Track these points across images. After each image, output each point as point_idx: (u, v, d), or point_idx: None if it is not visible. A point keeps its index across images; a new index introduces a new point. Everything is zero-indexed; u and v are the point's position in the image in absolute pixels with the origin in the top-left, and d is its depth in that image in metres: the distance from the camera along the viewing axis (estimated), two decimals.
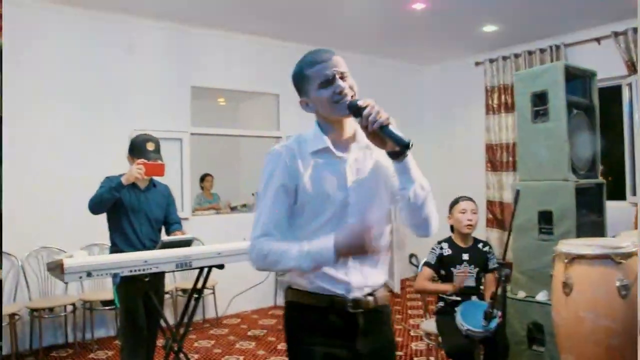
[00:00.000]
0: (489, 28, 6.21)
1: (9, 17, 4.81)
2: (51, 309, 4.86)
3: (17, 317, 4.64)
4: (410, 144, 1.56)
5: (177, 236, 3.56)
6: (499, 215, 6.88)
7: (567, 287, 2.85)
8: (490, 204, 6.99)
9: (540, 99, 3.92)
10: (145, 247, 3.55)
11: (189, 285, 5.25)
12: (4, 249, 4.71)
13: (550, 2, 5.36)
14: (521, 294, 3.91)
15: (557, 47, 6.36)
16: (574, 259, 2.85)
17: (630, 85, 5.84)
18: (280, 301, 6.43)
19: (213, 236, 5.68)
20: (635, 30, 5.65)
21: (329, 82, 1.67)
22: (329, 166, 1.71)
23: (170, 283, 5.38)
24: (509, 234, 2.98)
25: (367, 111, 1.57)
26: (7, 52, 4.82)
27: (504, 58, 6.91)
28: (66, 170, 5.03)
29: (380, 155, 1.74)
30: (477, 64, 7.25)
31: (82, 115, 5.21)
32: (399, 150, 1.60)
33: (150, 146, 3.67)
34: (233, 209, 7.59)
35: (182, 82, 5.84)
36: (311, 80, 1.70)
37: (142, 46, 5.57)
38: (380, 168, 1.76)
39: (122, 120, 5.35)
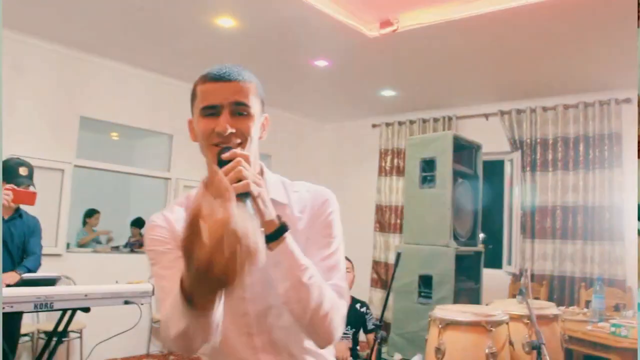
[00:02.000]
0: (388, 92, 6.43)
1: None
2: None
3: None
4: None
5: (39, 273, 3.25)
6: (384, 276, 6.96)
7: (439, 352, 2.85)
8: (375, 264, 7.07)
9: (428, 165, 4.05)
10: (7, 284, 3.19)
11: (44, 327, 4.84)
12: None
13: (444, 77, 5.66)
14: (397, 357, 3.90)
15: (450, 118, 6.69)
16: (448, 324, 2.87)
17: (511, 161, 6.21)
18: (154, 349, 6.05)
19: (88, 276, 5.31)
20: (518, 111, 6.07)
21: (213, 111, 1.22)
22: None
23: (32, 323, 4.89)
24: (387, 296, 2.97)
25: (231, 165, 1.11)
26: None
27: (400, 123, 7.16)
28: None
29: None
30: (374, 126, 7.46)
31: None
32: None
33: (23, 171, 3.38)
34: (115, 248, 7.16)
35: (70, 110, 5.47)
36: (196, 100, 1.27)
37: (30, 67, 5.20)
38: (296, 229, 1.29)
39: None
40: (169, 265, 1.22)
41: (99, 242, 7.33)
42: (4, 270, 3.32)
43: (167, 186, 6.31)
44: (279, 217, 1.15)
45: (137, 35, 5.01)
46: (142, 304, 3.44)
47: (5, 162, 3.43)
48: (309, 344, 1.29)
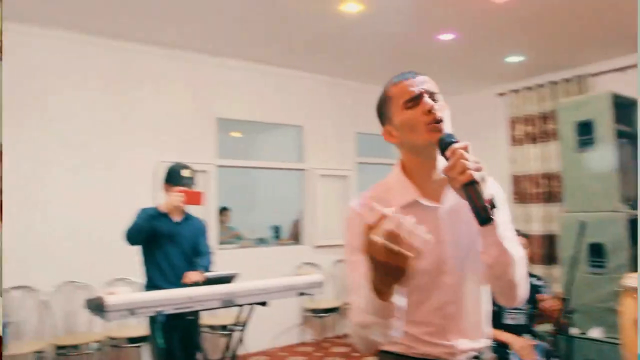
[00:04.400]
0: (514, 59, 6.16)
1: (35, 50, 4.80)
2: (76, 347, 4.69)
3: (42, 354, 4.48)
4: (491, 217, 1.25)
5: (220, 272, 3.44)
6: (526, 249, 6.71)
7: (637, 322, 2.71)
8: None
9: (585, 128, 3.85)
10: (181, 284, 3.42)
11: (216, 321, 5.12)
12: (28, 284, 4.61)
13: (574, 33, 5.32)
14: (573, 331, 3.76)
15: (581, 77, 6.31)
16: None
17: None
18: (307, 337, 6.26)
19: (244, 271, 5.57)
20: None
21: (415, 100, 1.42)
22: (419, 221, 1.28)
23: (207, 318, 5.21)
24: (571, 268, 2.86)
25: (454, 160, 1.27)
26: (39, 83, 4.80)
27: (528, 88, 6.85)
28: (91, 204, 4.90)
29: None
30: (500, 94, 7.19)
31: (109, 148, 5.12)
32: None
33: (185, 173, 3.59)
34: (260, 240, 7.45)
35: (208, 113, 5.77)
36: (394, 100, 1.45)
37: (167, 77, 5.52)
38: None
39: (148, 153, 5.26)
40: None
41: (239, 239, 7.63)
42: (183, 268, 3.53)
43: (303, 177, 6.49)
44: (491, 198, 1.29)
45: (261, 32, 5.15)
46: (312, 295, 3.57)
47: (170, 168, 3.65)
48: (484, 328, 1.51)
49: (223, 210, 7.71)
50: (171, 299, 2.90)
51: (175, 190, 3.42)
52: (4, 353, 3.97)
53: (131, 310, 2.81)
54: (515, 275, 1.38)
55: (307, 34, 5.20)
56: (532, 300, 3.36)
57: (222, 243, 6.75)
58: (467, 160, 1.25)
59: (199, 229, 3.75)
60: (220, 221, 7.62)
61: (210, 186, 5.72)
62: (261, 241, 7.47)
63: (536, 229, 6.52)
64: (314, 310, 6.02)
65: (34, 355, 4.39)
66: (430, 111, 1.39)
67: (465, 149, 1.28)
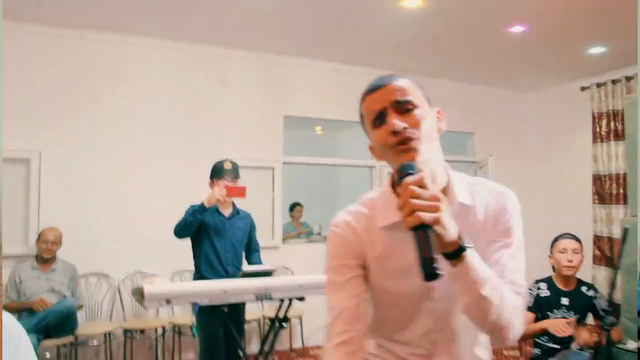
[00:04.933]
0: (596, 49, 5.79)
1: (111, 50, 5.13)
2: (142, 331, 4.99)
3: (112, 336, 4.82)
4: (437, 273, 1.04)
5: (257, 266, 3.54)
6: (608, 252, 6.31)
7: None
8: (597, 239, 6.43)
9: None
10: (228, 274, 3.56)
11: (267, 314, 5.26)
12: (104, 271, 4.97)
13: None
14: (631, 345, 3.50)
15: None
16: None
17: None
18: None
19: (303, 265, 5.67)
20: None
21: (380, 118, 1.23)
22: (402, 243, 1.22)
23: (258, 311, 5.37)
24: (615, 276, 2.67)
25: (403, 198, 1.07)
26: (114, 82, 5.14)
27: (614, 82, 6.41)
28: (162, 199, 5.17)
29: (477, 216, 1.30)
30: (582, 88, 6.77)
31: (179, 145, 5.38)
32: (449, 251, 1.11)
33: (227, 165, 3.70)
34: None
35: (274, 112, 5.91)
36: (365, 118, 1.30)
37: (235, 77, 5.71)
38: (479, 232, 1.28)
39: (216, 151, 5.44)
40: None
41: (310, 233, 7.73)
42: (230, 261, 3.66)
43: (372, 173, 6.53)
44: (459, 236, 1.11)
45: (324, 30, 5.20)
46: None
47: (214, 165, 3.79)
48: (480, 352, 1.38)
49: (295, 206, 7.85)
50: (205, 291, 3.02)
51: (219, 184, 3.55)
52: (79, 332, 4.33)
53: (167, 299, 2.96)
54: (502, 319, 1.17)
55: (367, 30, 5.18)
56: (584, 312, 3.18)
57: (288, 238, 6.88)
58: (418, 198, 1.05)
59: (249, 224, 3.86)
60: (292, 216, 7.79)
61: (277, 182, 5.85)
62: None
63: (616, 232, 6.10)
64: None
65: (104, 336, 4.75)
66: (394, 132, 1.19)
67: (419, 182, 1.08)
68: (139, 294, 3.01)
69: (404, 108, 1.22)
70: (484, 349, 1.40)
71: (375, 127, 1.25)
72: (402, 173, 1.12)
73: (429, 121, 1.24)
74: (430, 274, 1.03)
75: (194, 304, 3.02)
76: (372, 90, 1.27)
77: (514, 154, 7.28)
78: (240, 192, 3.60)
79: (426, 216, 1.04)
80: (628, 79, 6.24)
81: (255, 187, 5.63)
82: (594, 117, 6.60)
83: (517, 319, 1.21)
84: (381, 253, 1.31)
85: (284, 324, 3.65)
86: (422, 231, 1.04)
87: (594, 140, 6.58)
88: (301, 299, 3.38)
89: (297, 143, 6.69)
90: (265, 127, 5.85)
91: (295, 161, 6.25)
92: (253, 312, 5.15)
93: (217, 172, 3.66)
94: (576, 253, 3.21)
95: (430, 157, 1.20)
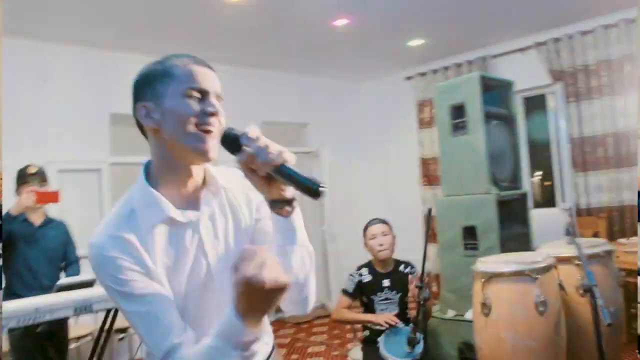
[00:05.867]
0: (415, 42, 6.17)
1: None
2: None
3: None
4: (321, 188, 1.12)
5: (74, 277, 3.30)
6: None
7: (485, 307, 2.73)
8: (428, 218, 6.89)
9: (458, 112, 3.86)
10: (44, 289, 3.27)
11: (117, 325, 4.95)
12: None
13: (473, 15, 5.35)
14: (450, 313, 3.80)
15: (484, 58, 6.39)
16: (491, 277, 2.74)
17: (554, 93, 5.89)
18: None
19: None
20: (555, 40, 5.72)
21: (202, 94, 1.21)
22: (175, 239, 1.24)
23: (93, 324, 5.01)
24: (424, 254, 2.86)
25: (256, 146, 1.13)
26: None
27: (434, 71, 6.90)
28: None
29: (240, 198, 1.36)
30: (407, 78, 7.21)
31: None
32: (290, 199, 1.20)
33: (31, 170, 3.42)
34: None
35: (99, 109, 5.46)
36: (175, 79, 1.21)
37: (55, 73, 5.23)
38: (242, 220, 1.35)
39: (36, 152, 4.98)
40: None
41: None
42: (44, 274, 3.39)
43: None
44: None
45: (150, 23, 4.98)
46: None
47: (18, 171, 3.48)
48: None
49: None
50: (14, 310, 2.74)
51: (27, 190, 3.25)
52: None
53: None
54: (313, 279, 1.30)
55: (197, 24, 5.05)
56: (402, 288, 3.37)
57: None
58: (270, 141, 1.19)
59: (64, 232, 3.60)
60: None
61: (103, 185, 5.43)
62: None
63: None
64: None
65: None
66: (212, 115, 1.25)
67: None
68: None
69: (219, 99, 1.28)
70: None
71: (188, 96, 1.21)
72: (234, 133, 1.17)
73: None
74: (318, 188, 1.12)
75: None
76: (203, 64, 1.25)
77: (350, 142, 7.51)
78: (53, 197, 3.32)
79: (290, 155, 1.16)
80: (446, 68, 6.74)
81: (82, 191, 5.28)
82: (418, 105, 7.05)
83: (314, 286, 1.31)
84: (154, 252, 1.26)
85: (121, 334, 3.45)
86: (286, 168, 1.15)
87: (420, 126, 7.03)
88: None
89: (124, 142, 6.33)
90: (90, 126, 5.41)
91: (124, 161, 5.85)
92: (89, 325, 4.79)
93: (21, 179, 3.35)
94: (385, 235, 3.38)
95: None
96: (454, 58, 6.66)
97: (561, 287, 2.80)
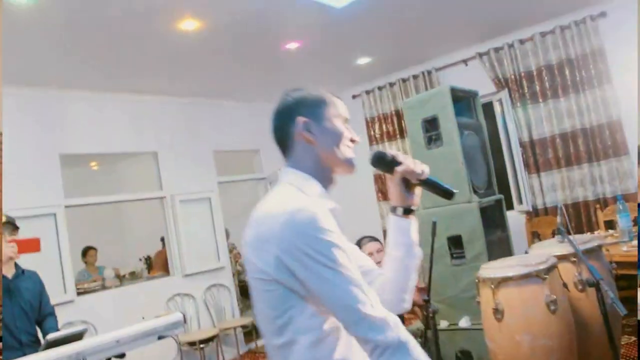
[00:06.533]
0: (363, 60, 6.27)
1: None
2: None
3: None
4: (455, 191, 1.53)
5: (65, 330, 3.08)
6: None
7: (498, 312, 2.77)
8: (386, 233, 6.96)
9: (431, 125, 3.94)
10: (22, 345, 3.03)
11: None
12: None
13: (417, 30, 5.50)
14: (444, 324, 3.83)
15: (429, 72, 6.57)
16: (500, 282, 2.78)
17: (500, 100, 6.13)
18: None
19: (105, 317, 5.13)
20: (496, 49, 5.97)
21: (346, 122, 1.50)
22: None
23: None
24: (430, 270, 2.88)
25: (409, 163, 1.48)
26: None
27: (379, 88, 7.02)
28: None
29: None
30: (354, 96, 7.30)
31: None
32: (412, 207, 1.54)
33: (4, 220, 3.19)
34: (122, 277, 6.92)
35: (49, 151, 5.21)
36: (332, 106, 1.48)
37: (5, 116, 4.89)
38: None
39: None
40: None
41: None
42: (22, 329, 3.15)
43: (163, 204, 6.09)
44: None
45: (102, 58, 4.79)
46: (176, 336, 3.31)
47: None
48: None
49: (88, 250, 7.13)
50: None
51: (8, 240, 3.02)
52: None
53: None
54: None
55: (147, 56, 4.91)
56: None
57: (83, 292, 6.10)
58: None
59: (38, 284, 3.36)
60: (85, 262, 7.05)
61: (60, 229, 5.16)
62: (133, 275, 7.01)
63: None
64: (191, 343, 5.64)
65: None
66: (352, 141, 1.53)
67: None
68: None
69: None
70: None
71: (343, 122, 1.48)
72: (385, 154, 1.52)
73: None
74: (451, 191, 1.52)
75: None
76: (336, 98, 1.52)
77: None
78: (34, 245, 3.12)
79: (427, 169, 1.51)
80: (392, 84, 6.88)
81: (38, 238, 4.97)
82: (367, 122, 7.15)
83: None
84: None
85: None
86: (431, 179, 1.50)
87: (370, 142, 7.11)
88: (121, 356, 3.01)
89: (75, 183, 6.06)
90: (41, 170, 5.13)
91: (79, 203, 5.60)
92: None
93: None
94: (380, 252, 3.39)
95: None
96: (400, 73, 6.81)
97: (564, 285, 2.88)
